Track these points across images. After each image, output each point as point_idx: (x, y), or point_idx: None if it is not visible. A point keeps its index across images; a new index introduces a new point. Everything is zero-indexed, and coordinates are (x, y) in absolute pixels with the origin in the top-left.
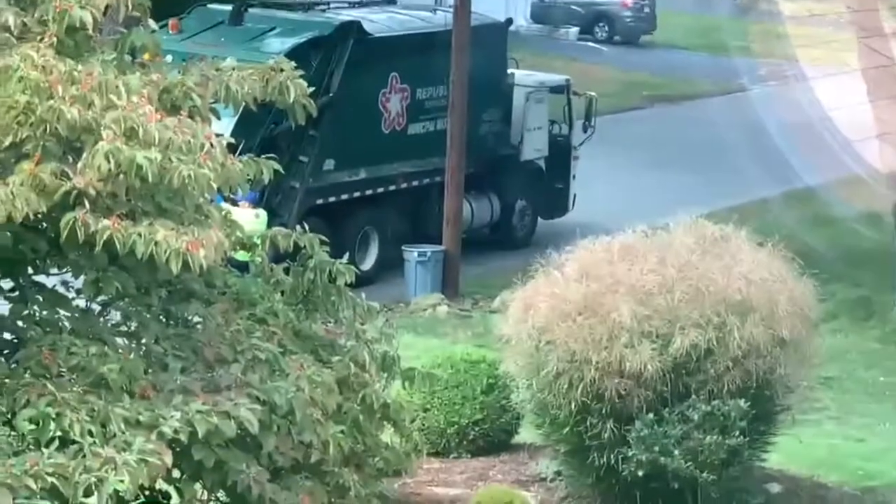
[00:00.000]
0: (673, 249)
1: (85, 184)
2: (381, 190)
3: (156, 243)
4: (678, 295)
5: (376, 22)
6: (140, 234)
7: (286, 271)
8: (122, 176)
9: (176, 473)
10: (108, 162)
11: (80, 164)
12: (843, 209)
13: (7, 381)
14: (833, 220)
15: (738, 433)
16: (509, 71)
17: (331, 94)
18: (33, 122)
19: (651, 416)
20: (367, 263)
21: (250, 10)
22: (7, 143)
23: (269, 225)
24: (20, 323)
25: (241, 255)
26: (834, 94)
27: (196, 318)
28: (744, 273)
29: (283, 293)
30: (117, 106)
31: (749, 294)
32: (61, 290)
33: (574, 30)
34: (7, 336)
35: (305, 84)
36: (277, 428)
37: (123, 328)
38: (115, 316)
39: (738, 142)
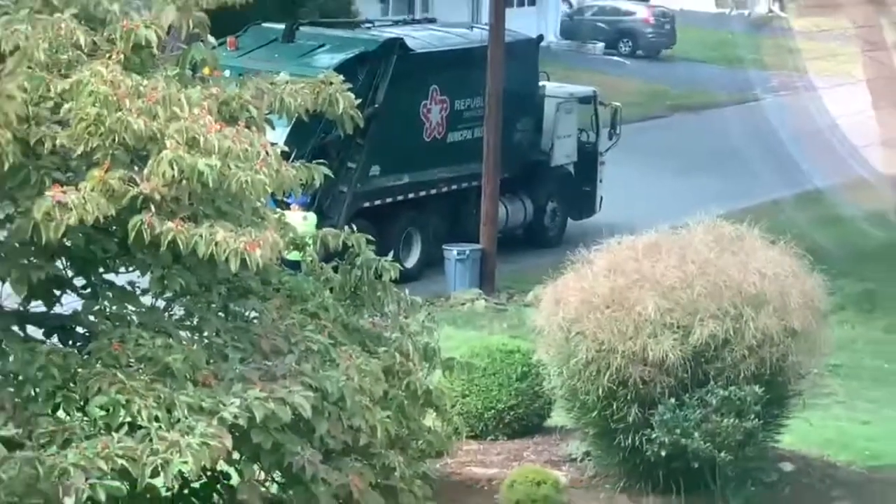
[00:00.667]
0: (693, 247)
1: (150, 189)
2: (422, 193)
3: (216, 244)
4: (698, 289)
5: (418, 39)
6: (201, 236)
7: (335, 269)
8: (184, 182)
9: (235, 455)
10: (172, 169)
11: (146, 171)
12: (849, 209)
13: (80, 370)
14: (840, 220)
15: (753, 416)
16: (541, 83)
17: (376, 106)
18: (103, 133)
19: (673, 400)
20: (411, 261)
21: (302, 28)
22: (79, 151)
23: (320, 226)
24: (92, 317)
25: (294, 255)
26: (840, 103)
27: (253, 313)
28: (758, 268)
29: (332, 289)
30: (180, 117)
31: (763, 288)
32: (128, 287)
33: (600, 45)
34: (80, 329)
35: (353, 96)
36: (329, 413)
37: (186, 322)
38: (179, 311)
39: (751, 147)
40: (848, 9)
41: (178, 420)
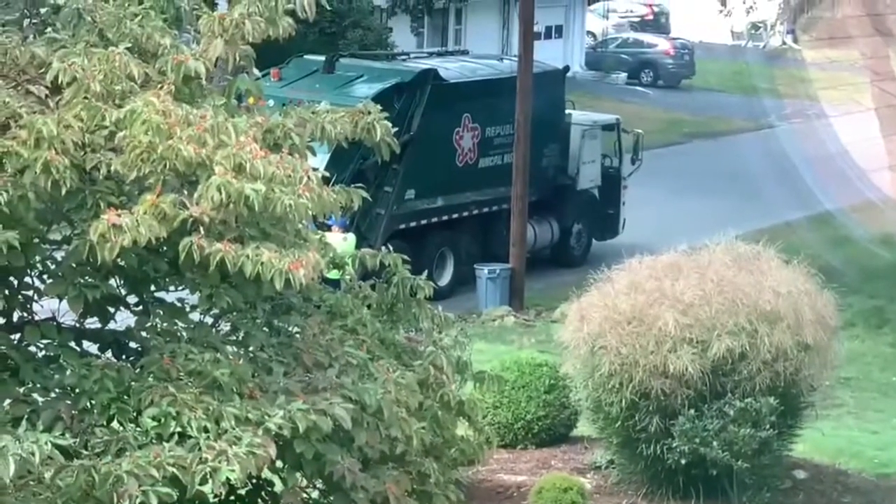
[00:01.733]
0: (712, 267)
1: (200, 212)
2: (455, 216)
3: (262, 264)
4: (715, 306)
5: (451, 69)
6: (248, 256)
7: (373, 287)
8: (232, 205)
9: (279, 464)
10: (220, 193)
11: (195, 196)
12: (858, 231)
13: (134, 383)
14: (850, 241)
15: (768, 427)
16: (567, 111)
17: (411, 133)
18: (155, 159)
19: (692, 411)
20: (444, 280)
21: (341, 60)
22: (132, 177)
23: (358, 246)
24: (144, 333)
25: (334, 274)
26: (850, 130)
27: (295, 329)
28: (772, 287)
29: (369, 306)
30: (227, 145)
31: (777, 305)
32: (178, 304)
33: (623, 75)
34: (133, 344)
35: (389, 125)
36: (367, 424)
37: (232, 338)
38: (225, 327)
39: (766, 172)
40: (858, 41)
41: (226, 431)
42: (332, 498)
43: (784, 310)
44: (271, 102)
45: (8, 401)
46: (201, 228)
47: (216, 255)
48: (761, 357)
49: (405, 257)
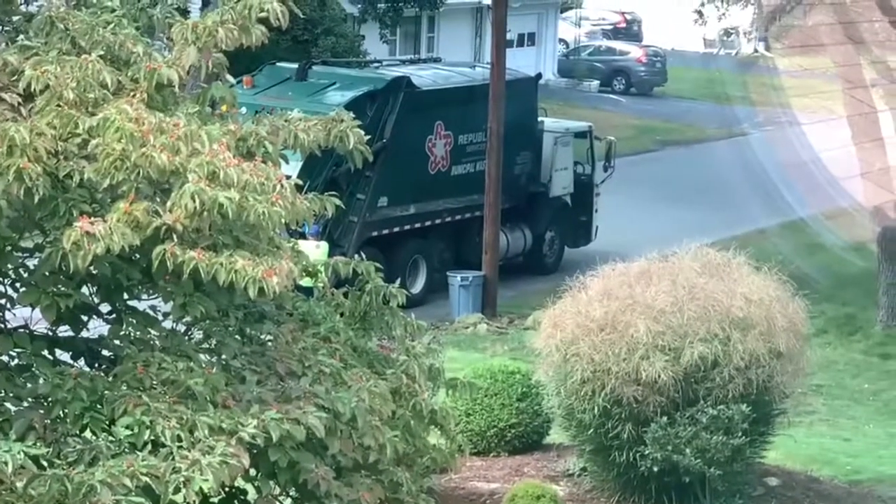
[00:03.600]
0: (683, 273)
1: (173, 220)
2: (428, 223)
3: (235, 272)
4: (688, 313)
5: (423, 77)
6: (222, 264)
7: (345, 295)
8: (205, 213)
9: (253, 473)
10: (194, 201)
11: (168, 203)
12: (831, 238)
13: (107, 392)
14: (822, 248)
15: (740, 434)
16: (539, 119)
17: (384, 140)
18: (128, 167)
19: (665, 419)
20: (417, 287)
21: (314, 67)
22: (105, 185)
23: (331, 254)
24: (117, 341)
25: (307, 282)
26: (823, 138)
27: (268, 337)
28: (744, 293)
29: (342, 314)
30: (200, 152)
31: (749, 312)
32: (150, 313)
33: (595, 83)
34: (106, 353)
35: (362, 133)
36: (341, 432)
37: (205, 346)
38: (198, 335)
39: (738, 179)
40: (830, 49)
41: (199, 440)
42: None
43: (756, 317)
44: (244, 110)
45: None
46: (175, 236)
47: (189, 262)
48: (734, 364)
49: (378, 265)
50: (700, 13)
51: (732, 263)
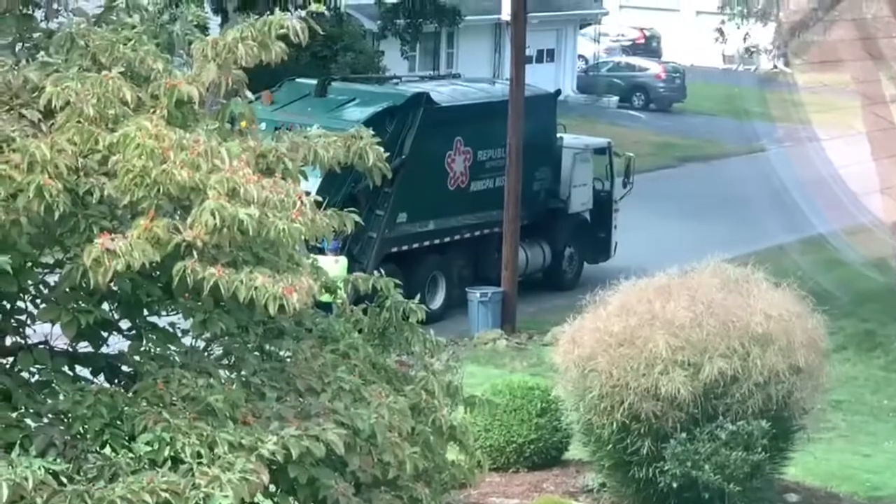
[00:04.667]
0: (702, 289)
1: (193, 237)
2: (447, 239)
3: (256, 288)
4: (707, 328)
5: (442, 93)
6: (242, 281)
7: (364, 311)
8: (225, 230)
9: (272, 489)
10: (214, 218)
11: (189, 220)
12: (850, 254)
13: (127, 409)
14: (841, 264)
15: (760, 450)
16: (558, 135)
17: (403, 156)
18: (148, 184)
19: (684, 434)
20: (436, 303)
21: (333, 83)
22: (125, 201)
23: (350, 270)
24: (137, 357)
25: (325, 298)
26: (842, 154)
27: (287, 353)
28: (763, 309)
29: (361, 330)
30: (220, 169)
31: (769, 328)
32: (170, 329)
33: (614, 99)
34: (126, 368)
35: (381, 150)
36: (360, 449)
37: (224, 362)
38: (217, 351)
39: (757, 195)
40: (849, 65)
41: (219, 456)
42: None
43: (776, 332)
44: (263, 126)
45: (0, 426)
46: (195, 253)
47: (210, 279)
48: (753, 380)
49: (397, 281)
50: (720, 31)
51: (752, 279)
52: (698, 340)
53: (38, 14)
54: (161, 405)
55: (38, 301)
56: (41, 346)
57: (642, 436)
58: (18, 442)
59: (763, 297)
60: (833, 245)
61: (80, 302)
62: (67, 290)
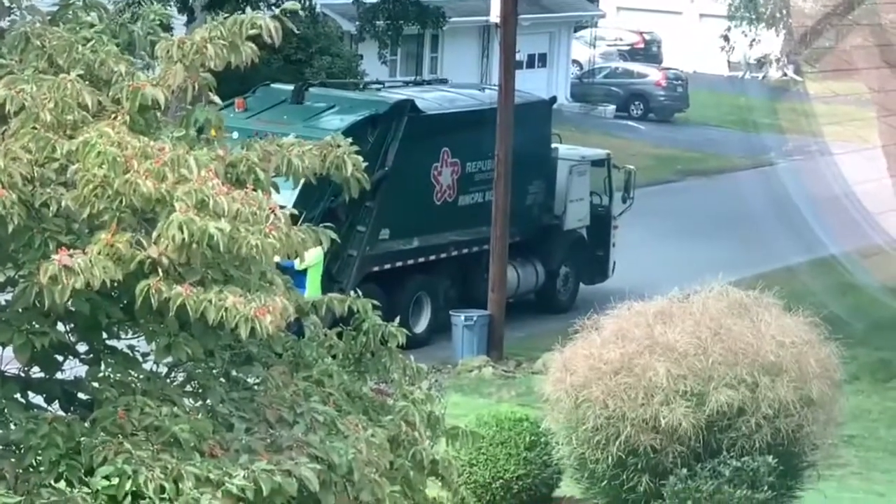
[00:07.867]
0: (708, 313)
1: (159, 253)
2: (433, 257)
3: (226, 309)
4: (713, 356)
5: (428, 100)
6: (211, 301)
7: (339, 335)
8: (194, 245)
9: None
10: (182, 232)
11: (154, 234)
12: (864, 277)
13: (84, 439)
14: (855, 288)
15: (766, 488)
16: (553, 146)
17: (386, 168)
18: (110, 195)
19: (684, 471)
20: (420, 326)
21: (311, 89)
22: (85, 214)
23: (328, 290)
24: (95, 384)
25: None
26: (856, 169)
27: (256, 381)
28: (774, 336)
29: (335, 356)
30: (188, 179)
31: (781, 356)
32: (130, 353)
33: (611, 108)
34: (83, 396)
35: (360, 159)
36: (336, 486)
37: (188, 388)
38: (180, 377)
39: (765, 213)
40: (864, 73)
41: (184, 492)
42: None
43: (787, 362)
44: (235, 134)
45: None
46: (160, 270)
47: (176, 299)
48: (761, 412)
49: (375, 302)
50: (726, 38)
51: (761, 303)
52: (702, 369)
53: None
54: (122, 435)
55: None
56: None
57: (640, 471)
58: None
59: (774, 324)
60: (846, 267)
61: (35, 323)
62: (20, 310)
